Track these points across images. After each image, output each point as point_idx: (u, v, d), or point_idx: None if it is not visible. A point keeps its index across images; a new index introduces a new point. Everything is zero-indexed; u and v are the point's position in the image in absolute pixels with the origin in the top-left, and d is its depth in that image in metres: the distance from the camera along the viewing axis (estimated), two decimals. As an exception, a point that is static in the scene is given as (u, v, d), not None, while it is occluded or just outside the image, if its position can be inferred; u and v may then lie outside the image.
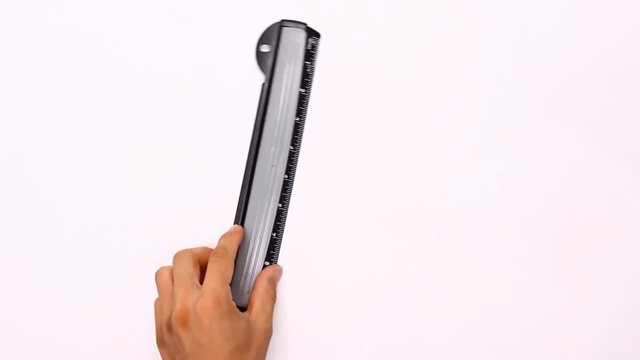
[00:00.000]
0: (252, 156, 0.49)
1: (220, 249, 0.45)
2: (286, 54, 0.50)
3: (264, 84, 0.50)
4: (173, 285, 0.44)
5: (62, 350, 0.48)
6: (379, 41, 0.51)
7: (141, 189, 0.49)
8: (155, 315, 0.45)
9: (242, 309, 0.45)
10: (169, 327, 0.42)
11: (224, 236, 0.47)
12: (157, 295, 0.45)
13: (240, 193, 0.49)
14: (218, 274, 0.43)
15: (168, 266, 0.45)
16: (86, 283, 0.49)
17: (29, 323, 0.48)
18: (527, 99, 0.50)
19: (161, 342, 0.43)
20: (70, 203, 0.49)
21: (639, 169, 0.50)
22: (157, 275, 0.45)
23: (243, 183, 0.49)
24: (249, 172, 0.49)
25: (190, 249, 0.46)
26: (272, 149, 0.49)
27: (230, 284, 0.44)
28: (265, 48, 0.50)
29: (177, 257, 0.45)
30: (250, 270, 0.48)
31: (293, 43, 0.50)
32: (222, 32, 0.51)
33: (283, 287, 0.49)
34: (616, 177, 0.50)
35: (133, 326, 0.48)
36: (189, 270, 0.43)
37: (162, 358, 0.43)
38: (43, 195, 0.49)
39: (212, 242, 0.48)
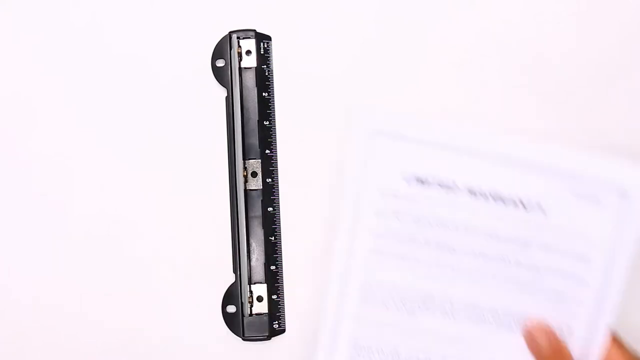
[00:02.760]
0: (232, 167, 0.50)
1: None
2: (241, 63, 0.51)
3: (227, 97, 0.50)
4: None
5: (66, 346, 0.50)
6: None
7: (139, 194, 0.51)
8: None
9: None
10: None
11: None
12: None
13: (231, 205, 0.50)
14: None
15: None
16: (90, 280, 0.50)
17: (34, 319, 0.50)
18: (524, 99, 0.51)
19: None
20: (76, 202, 0.50)
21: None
22: None
23: (230, 195, 0.50)
24: (234, 184, 0.50)
25: None
26: (250, 156, 0.50)
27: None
28: (220, 62, 0.51)
29: None
30: (255, 279, 0.50)
31: (246, 52, 0.51)
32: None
33: (291, 288, 0.50)
34: None
35: (137, 323, 0.50)
36: None
37: None
38: (44, 196, 0.51)
39: (211, 248, 0.50)
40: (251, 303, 0.49)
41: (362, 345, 0.42)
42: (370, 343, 0.42)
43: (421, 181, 0.40)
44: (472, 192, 0.40)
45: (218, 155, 0.50)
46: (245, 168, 0.50)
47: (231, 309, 0.49)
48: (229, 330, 0.49)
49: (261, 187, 0.50)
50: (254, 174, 0.50)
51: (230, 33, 0.51)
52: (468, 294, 0.41)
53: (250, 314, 0.49)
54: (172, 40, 0.51)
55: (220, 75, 0.51)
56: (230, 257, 0.50)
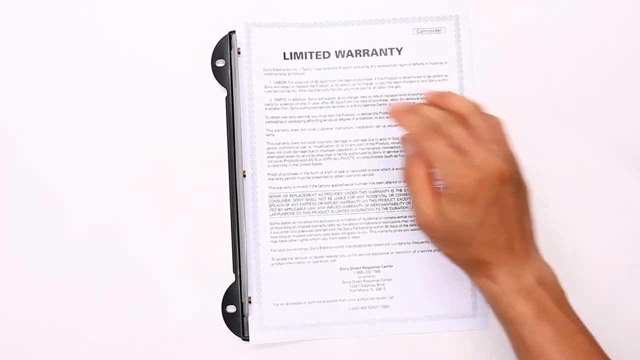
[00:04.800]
0: (233, 168, 0.50)
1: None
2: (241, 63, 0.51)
3: (227, 97, 0.50)
4: None
5: (66, 345, 0.49)
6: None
7: (138, 194, 0.50)
8: None
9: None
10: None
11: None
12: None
13: (231, 205, 0.50)
14: None
15: None
16: (90, 280, 0.49)
17: (34, 319, 0.49)
18: (528, 99, 0.52)
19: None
20: (76, 202, 0.50)
21: (636, 170, 0.51)
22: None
23: (231, 194, 0.50)
24: (234, 183, 0.50)
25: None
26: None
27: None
28: (220, 62, 0.51)
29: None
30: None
31: (246, 52, 0.51)
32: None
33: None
34: (611, 175, 0.51)
35: (138, 323, 0.49)
36: None
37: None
38: (45, 195, 0.50)
39: (211, 244, 0.50)
40: (251, 303, 0.49)
41: (277, 195, 0.50)
42: (283, 192, 0.50)
43: (297, 56, 0.50)
44: (340, 54, 0.51)
45: (218, 154, 0.50)
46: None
47: (231, 309, 0.49)
48: (229, 330, 0.49)
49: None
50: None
51: (230, 33, 0.51)
52: (359, 134, 0.50)
53: (250, 314, 0.49)
54: (173, 41, 0.51)
55: (220, 75, 0.51)
56: (230, 257, 0.50)
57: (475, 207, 0.40)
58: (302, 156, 0.50)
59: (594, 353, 0.39)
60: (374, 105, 0.51)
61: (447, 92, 0.44)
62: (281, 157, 0.50)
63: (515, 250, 0.41)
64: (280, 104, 0.50)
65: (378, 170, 0.51)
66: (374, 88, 0.51)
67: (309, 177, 0.50)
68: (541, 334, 0.39)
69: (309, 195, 0.50)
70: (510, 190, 0.40)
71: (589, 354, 0.39)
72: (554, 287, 0.42)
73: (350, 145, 0.51)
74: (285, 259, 0.50)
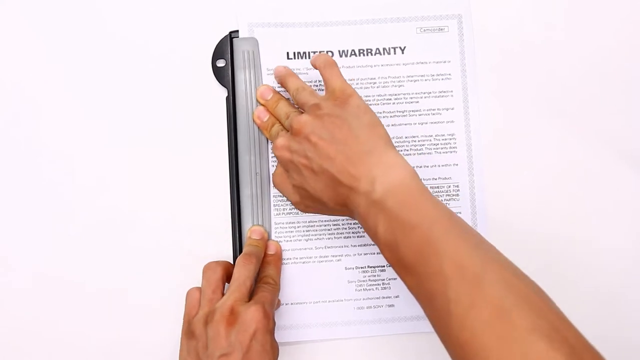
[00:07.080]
0: (234, 168, 0.50)
1: (270, 279, 0.47)
2: (242, 64, 0.50)
3: (227, 97, 0.50)
4: (222, 284, 0.45)
5: (67, 342, 0.49)
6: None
7: (139, 195, 0.50)
8: (189, 306, 0.45)
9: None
10: (206, 322, 0.42)
11: (268, 263, 0.48)
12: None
13: (231, 204, 0.50)
14: (270, 297, 0.45)
15: (222, 263, 0.46)
16: (94, 275, 0.49)
17: (38, 315, 0.49)
18: (530, 100, 0.52)
19: (190, 334, 0.43)
20: (77, 201, 0.50)
21: (635, 167, 0.51)
22: (208, 269, 0.46)
23: (231, 194, 0.50)
24: (234, 183, 0.50)
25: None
26: (251, 157, 0.50)
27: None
28: (220, 62, 0.51)
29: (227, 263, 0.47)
30: None
31: (246, 52, 0.51)
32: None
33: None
34: (613, 175, 0.51)
35: (141, 319, 0.49)
36: (246, 277, 0.45)
37: (184, 348, 0.43)
38: (54, 191, 0.50)
39: (211, 244, 0.49)
40: (255, 304, 0.49)
41: (281, 194, 0.49)
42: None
43: (300, 55, 0.50)
44: (343, 53, 0.51)
45: (218, 154, 0.50)
46: (247, 169, 0.50)
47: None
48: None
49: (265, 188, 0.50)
50: (257, 176, 0.50)
51: (231, 33, 0.51)
52: None
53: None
54: (173, 41, 0.51)
55: (221, 75, 0.50)
56: (231, 256, 0.49)
57: (289, 177, 0.45)
58: None
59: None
60: (378, 104, 0.51)
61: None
62: None
63: (354, 175, 0.40)
64: None
65: None
66: (377, 87, 0.51)
67: None
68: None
69: None
70: (305, 146, 0.43)
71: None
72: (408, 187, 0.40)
73: None
74: (290, 258, 0.50)
